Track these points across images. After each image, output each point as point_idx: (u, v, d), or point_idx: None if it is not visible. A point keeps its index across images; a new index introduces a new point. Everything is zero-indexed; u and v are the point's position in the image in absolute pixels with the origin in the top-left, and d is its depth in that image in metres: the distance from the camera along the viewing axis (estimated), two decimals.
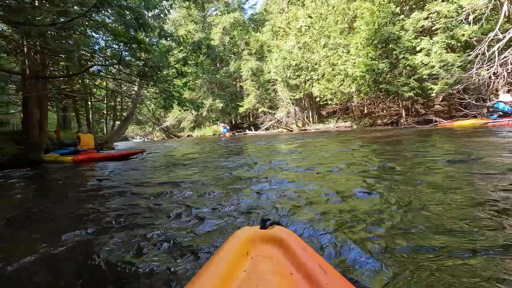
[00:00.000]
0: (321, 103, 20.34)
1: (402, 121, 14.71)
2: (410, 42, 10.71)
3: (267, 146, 7.66)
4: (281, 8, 24.12)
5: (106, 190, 2.94)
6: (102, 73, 6.76)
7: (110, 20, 7.09)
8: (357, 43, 12.84)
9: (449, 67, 9.62)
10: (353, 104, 18.50)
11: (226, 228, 1.53)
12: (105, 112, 13.72)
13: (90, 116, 12.54)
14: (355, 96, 15.89)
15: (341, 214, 1.61)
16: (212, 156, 5.90)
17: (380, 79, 12.13)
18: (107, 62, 5.96)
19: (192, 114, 24.37)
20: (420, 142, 5.37)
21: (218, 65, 26.22)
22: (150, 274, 1.11)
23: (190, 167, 4.22)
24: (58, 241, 1.49)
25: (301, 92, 19.16)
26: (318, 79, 17.13)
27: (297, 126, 20.14)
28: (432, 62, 9.96)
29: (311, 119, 20.81)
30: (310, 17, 18.03)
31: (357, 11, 12.98)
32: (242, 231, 0.91)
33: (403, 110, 15.00)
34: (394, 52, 11.10)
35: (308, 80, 18.13)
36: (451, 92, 10.29)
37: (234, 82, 26.69)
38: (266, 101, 22.68)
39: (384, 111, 18.63)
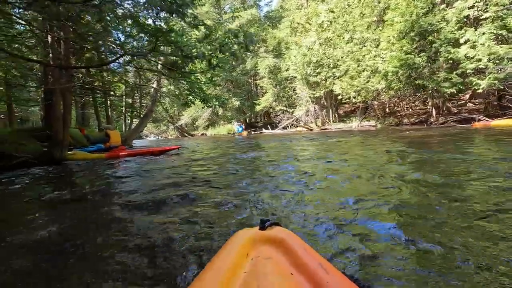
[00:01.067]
0: (342, 101, 19.51)
1: (432, 120, 13.80)
2: (453, 33, 9.84)
3: (288, 145, 7.18)
4: (299, 4, 23.37)
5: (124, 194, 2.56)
6: (131, 64, 6.28)
7: (136, 9, 6.66)
8: (389, 36, 12.01)
9: (500, 60, 8.74)
10: (375, 102, 17.63)
11: (228, 229, 1.50)
12: (123, 109, 13.37)
13: (109, 113, 12.21)
14: (384, 94, 15.00)
15: (344, 215, 1.59)
16: (233, 154, 5.73)
17: (415, 74, 11.28)
18: (138, 51, 5.45)
19: (213, 111, 23.98)
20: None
21: (234, 62, 25.69)
22: (152, 275, 1.08)
23: (212, 165, 4.21)
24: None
25: (321, 90, 18.41)
26: (340, 76, 16.34)
27: (316, 125, 19.38)
28: (479, 55, 9.09)
29: (331, 118, 20.02)
30: (333, 11, 17.25)
31: (390, 1, 12.14)
32: (241, 232, 0.90)
33: (433, 109, 14.07)
34: (433, 45, 10.24)
35: (329, 77, 17.37)
36: (494, 88, 9.42)
37: (250, 80, 26.12)
38: (284, 99, 21.98)
39: (410, 109, 17.68)
